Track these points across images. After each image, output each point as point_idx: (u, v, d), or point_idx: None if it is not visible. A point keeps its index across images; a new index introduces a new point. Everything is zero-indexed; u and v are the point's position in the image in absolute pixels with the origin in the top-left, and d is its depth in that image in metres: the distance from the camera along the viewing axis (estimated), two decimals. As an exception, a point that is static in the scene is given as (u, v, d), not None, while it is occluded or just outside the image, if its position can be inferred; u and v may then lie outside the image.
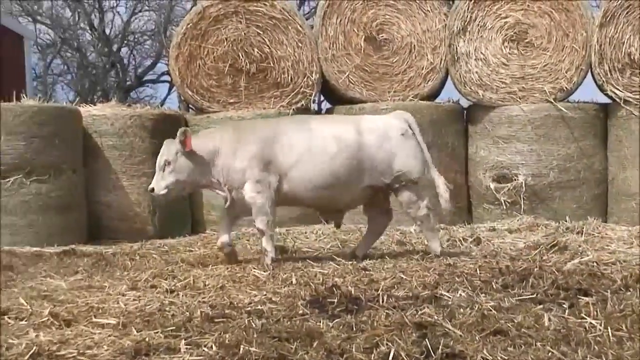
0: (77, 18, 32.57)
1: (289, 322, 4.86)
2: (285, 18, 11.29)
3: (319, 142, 7.56)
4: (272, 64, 11.32)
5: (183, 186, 7.83)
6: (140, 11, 32.98)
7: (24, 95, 11.01)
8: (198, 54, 11.27)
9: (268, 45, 11.31)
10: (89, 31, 32.75)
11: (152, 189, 7.69)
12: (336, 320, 4.90)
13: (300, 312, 5.19)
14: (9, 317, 5.15)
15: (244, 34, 11.26)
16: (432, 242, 7.82)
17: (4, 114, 9.62)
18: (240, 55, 11.26)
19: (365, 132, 7.65)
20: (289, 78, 11.32)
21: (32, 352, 4.22)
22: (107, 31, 32.52)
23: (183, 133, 7.59)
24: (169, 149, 7.65)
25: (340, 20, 11.27)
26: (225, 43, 11.25)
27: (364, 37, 11.25)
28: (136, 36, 33.60)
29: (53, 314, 5.11)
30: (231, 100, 11.37)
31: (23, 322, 5.03)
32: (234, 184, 7.61)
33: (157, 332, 4.63)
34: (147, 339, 4.41)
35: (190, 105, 12.32)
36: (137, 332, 4.66)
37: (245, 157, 7.54)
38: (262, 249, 7.62)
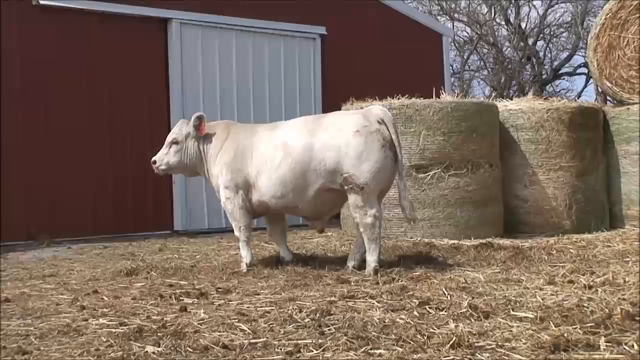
0: (493, 14, 33.00)
1: None
2: None
3: (270, 150, 7.34)
4: (696, 52, 10.76)
5: (184, 169, 7.99)
6: (556, 3, 32.65)
7: (442, 91, 11.38)
8: (617, 44, 10.98)
9: (692, 33, 10.77)
10: (505, 26, 33.07)
11: (154, 161, 7.91)
12: None
13: None
14: (429, 307, 5.36)
15: (666, 21, 10.80)
16: (370, 254, 7.05)
17: (422, 110, 10.00)
18: (665, 44, 10.82)
19: (321, 130, 7.17)
20: None
21: (452, 341, 4.34)
22: (523, 25, 32.59)
23: (198, 118, 7.72)
24: (181, 129, 7.82)
25: None
26: (646, 32, 10.86)
27: None
28: (552, 29, 33.31)
29: (472, 306, 5.25)
30: (653, 91, 10.96)
31: (443, 313, 5.21)
32: (213, 185, 7.73)
33: (575, 328, 4.57)
34: (565, 335, 4.37)
35: (608, 97, 12.03)
36: (555, 327, 4.64)
37: (220, 163, 7.55)
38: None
